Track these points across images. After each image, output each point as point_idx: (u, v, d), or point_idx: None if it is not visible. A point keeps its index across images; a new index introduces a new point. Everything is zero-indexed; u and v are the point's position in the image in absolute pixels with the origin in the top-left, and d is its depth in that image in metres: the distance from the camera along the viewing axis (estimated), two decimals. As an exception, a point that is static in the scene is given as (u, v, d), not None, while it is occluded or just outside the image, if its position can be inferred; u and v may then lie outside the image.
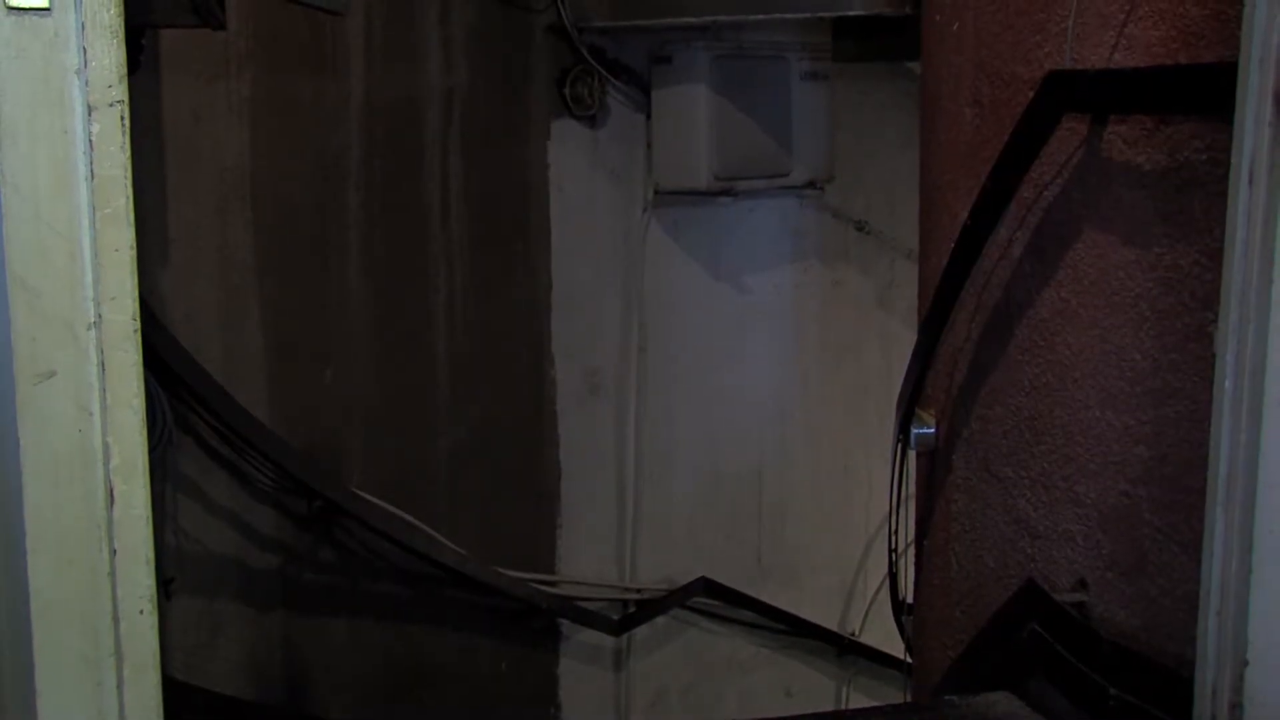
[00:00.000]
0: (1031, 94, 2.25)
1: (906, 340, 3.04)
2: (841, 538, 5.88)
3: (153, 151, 3.54)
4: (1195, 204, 1.96)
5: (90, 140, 1.13)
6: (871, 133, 5.42)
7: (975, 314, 2.56)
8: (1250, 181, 1.65)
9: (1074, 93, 2.14)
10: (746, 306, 5.45)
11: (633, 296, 5.17)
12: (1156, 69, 1.99)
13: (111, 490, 1.21)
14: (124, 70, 1.13)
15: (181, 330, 3.64)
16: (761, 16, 4.54)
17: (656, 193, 5.08)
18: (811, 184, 5.25)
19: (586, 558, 5.21)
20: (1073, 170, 2.19)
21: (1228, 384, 1.74)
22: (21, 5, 1.08)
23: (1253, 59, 1.67)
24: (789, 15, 4.58)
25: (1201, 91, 1.93)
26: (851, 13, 4.42)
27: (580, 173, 4.97)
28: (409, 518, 4.39)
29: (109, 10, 1.10)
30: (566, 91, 4.90)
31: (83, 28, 1.10)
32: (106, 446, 1.21)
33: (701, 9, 4.58)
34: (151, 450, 3.32)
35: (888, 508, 3.04)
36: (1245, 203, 1.66)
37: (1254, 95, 1.66)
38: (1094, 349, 2.18)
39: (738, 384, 5.49)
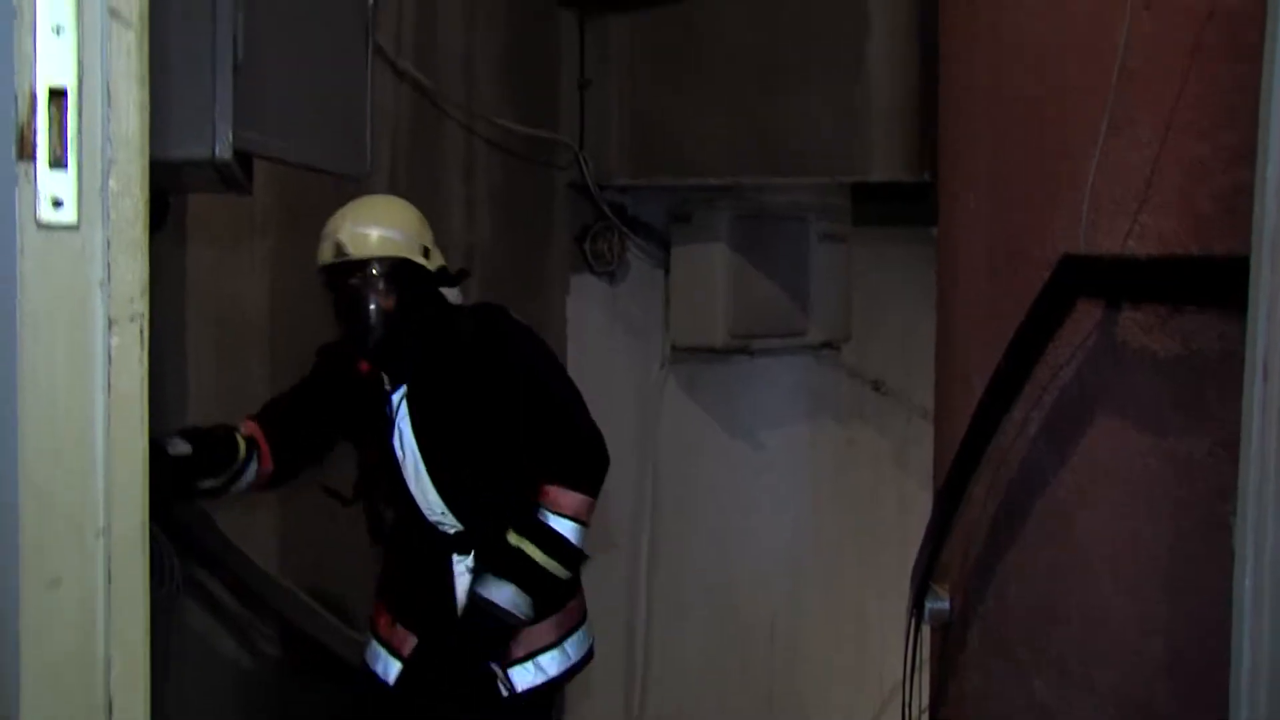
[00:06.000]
0: (1047, 273, 2.26)
1: (922, 499, 3.02)
2: (855, 690, 5.77)
3: (174, 300, 3.58)
4: (1210, 393, 1.95)
5: (109, 353, 1.14)
6: (888, 294, 5.46)
7: (991, 490, 2.53)
8: (1264, 378, 1.63)
9: (1088, 278, 2.14)
10: (761, 464, 5.43)
11: (648, 450, 5.17)
12: (1169, 259, 2.00)
13: (110, 701, 1.20)
14: (146, 284, 1.15)
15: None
16: (781, 180, 4.62)
17: (674, 349, 5.11)
18: (828, 344, 5.28)
19: (594, 710, 5.11)
20: (1087, 353, 2.19)
21: (1248, 582, 1.70)
22: (51, 222, 1.11)
23: (1264, 256, 1.66)
24: (809, 180, 4.66)
25: (1214, 283, 1.94)
26: (870, 178, 4.49)
27: (598, 327, 5.01)
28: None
29: (135, 227, 1.12)
30: (587, 247, 4.98)
31: (108, 243, 1.12)
32: (108, 657, 1.20)
33: (722, 171, 4.65)
34: (156, 608, 3.28)
35: (901, 673, 2.98)
36: (1260, 399, 1.64)
37: (1266, 292, 1.65)
38: (1110, 535, 2.15)
39: (752, 541, 5.45)
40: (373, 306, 3.10)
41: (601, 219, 5.00)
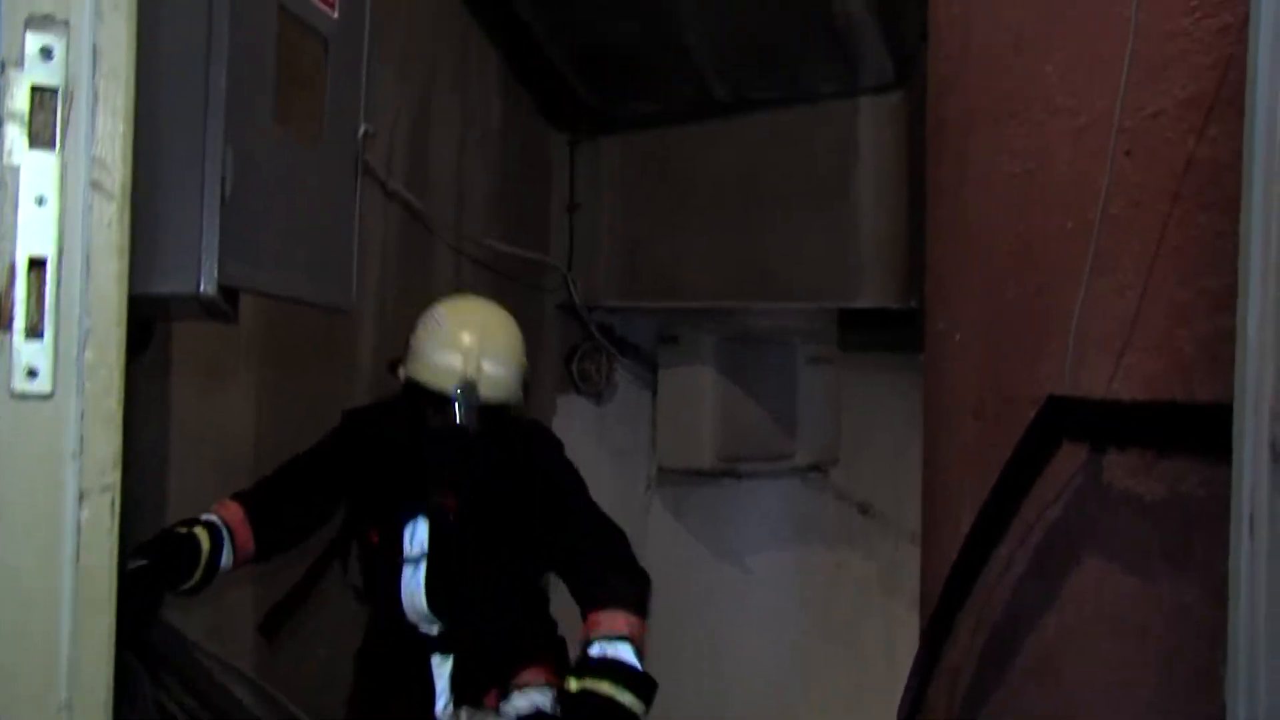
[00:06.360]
0: (1032, 412, 2.25)
1: (910, 625, 2.98)
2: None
3: (157, 423, 3.56)
4: (1197, 539, 1.93)
5: (79, 525, 1.13)
6: (875, 417, 5.46)
7: (978, 628, 2.50)
8: (1251, 533, 1.62)
9: (1073, 419, 2.14)
10: (749, 587, 5.39)
11: (633, 573, 5.11)
12: (1153, 404, 2.00)
13: None
14: (119, 456, 1.14)
15: (173, 602, 3.57)
16: (768, 305, 4.64)
17: (660, 470, 5.09)
18: (816, 466, 5.26)
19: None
20: (1073, 494, 2.17)
21: (1239, 734, 1.67)
22: (25, 391, 1.11)
23: (1247, 407, 1.66)
24: (795, 305, 4.68)
25: (1198, 430, 1.93)
26: (857, 304, 4.52)
27: (584, 449, 4.98)
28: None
29: (110, 398, 1.12)
30: (574, 368, 4.98)
31: (82, 415, 1.12)
32: (66, 837, 1.17)
33: (709, 294, 4.69)
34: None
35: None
36: (1247, 554, 1.62)
37: (1250, 444, 1.65)
38: (1098, 677, 2.12)
39: (739, 666, 5.38)
40: (472, 439, 3.01)
41: (589, 340, 5.02)
